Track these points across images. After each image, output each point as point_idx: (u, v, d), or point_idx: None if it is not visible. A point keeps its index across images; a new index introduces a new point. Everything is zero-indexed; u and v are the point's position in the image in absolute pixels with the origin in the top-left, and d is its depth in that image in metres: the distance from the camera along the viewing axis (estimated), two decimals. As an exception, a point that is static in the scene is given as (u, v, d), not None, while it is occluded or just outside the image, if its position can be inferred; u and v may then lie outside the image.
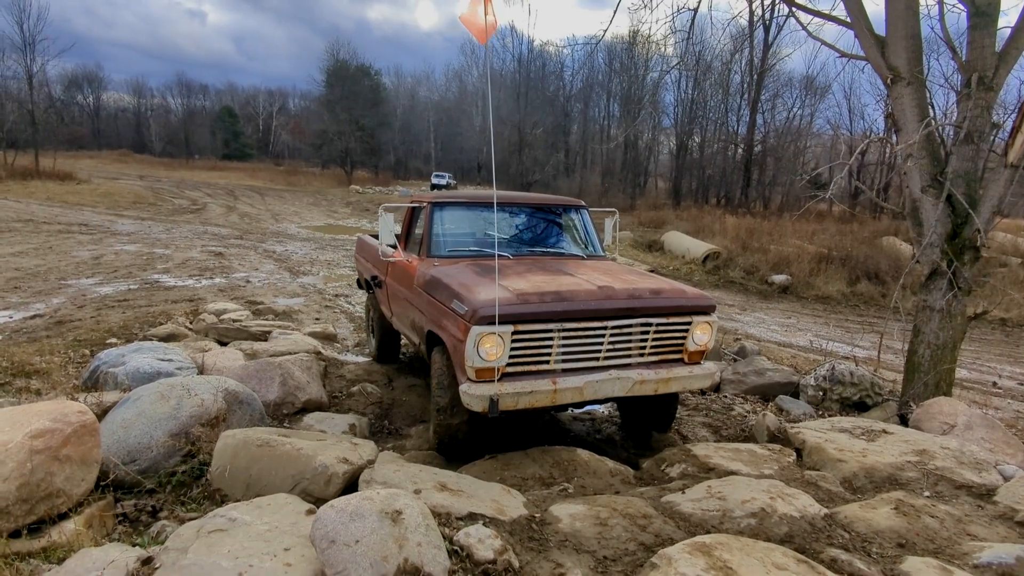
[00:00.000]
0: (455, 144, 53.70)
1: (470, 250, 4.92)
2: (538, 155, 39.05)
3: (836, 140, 41.65)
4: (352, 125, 44.19)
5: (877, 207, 37.34)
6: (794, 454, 4.01)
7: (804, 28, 7.46)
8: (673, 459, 3.85)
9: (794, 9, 7.41)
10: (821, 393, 5.86)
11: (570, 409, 5.20)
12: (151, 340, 6.37)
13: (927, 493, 3.44)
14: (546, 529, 2.71)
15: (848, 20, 6.26)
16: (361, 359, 7.52)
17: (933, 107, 6.25)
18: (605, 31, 9.41)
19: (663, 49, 39.13)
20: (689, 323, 4.10)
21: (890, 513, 2.97)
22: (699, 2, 8.85)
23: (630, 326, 3.90)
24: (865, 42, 6.05)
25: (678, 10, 9.03)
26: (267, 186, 44.74)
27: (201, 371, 5.18)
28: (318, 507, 2.67)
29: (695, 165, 41.03)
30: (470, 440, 3.99)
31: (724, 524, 2.78)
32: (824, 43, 7.41)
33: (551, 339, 3.69)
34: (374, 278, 6.22)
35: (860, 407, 5.76)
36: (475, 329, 3.46)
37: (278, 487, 2.91)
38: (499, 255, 4.57)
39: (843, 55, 7.16)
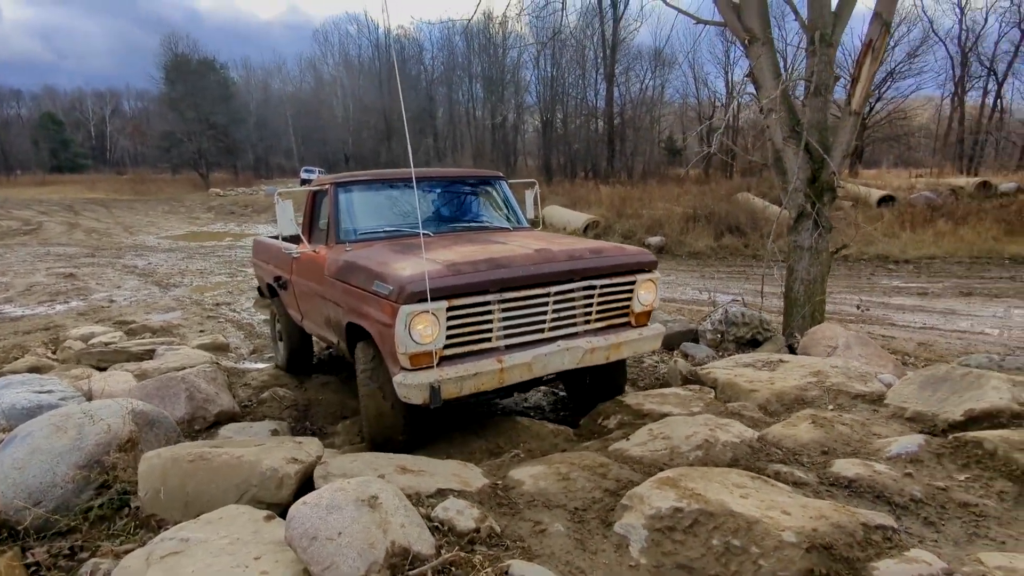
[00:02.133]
0: (317, 136, 51.37)
1: (384, 231, 4.53)
2: (408, 141, 38.35)
3: (685, 108, 44.64)
4: (202, 124, 40.74)
5: (728, 168, 40.61)
6: (711, 392, 4.32)
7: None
8: (608, 412, 4.02)
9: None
10: (719, 336, 6.34)
11: (514, 394, 4.72)
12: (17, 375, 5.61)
13: (831, 407, 3.85)
14: (512, 493, 2.74)
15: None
16: (262, 365, 7.10)
17: (785, 65, 6.88)
18: (471, 19, 9.40)
19: (519, 28, 39.85)
20: (633, 282, 3.91)
21: (809, 427, 3.30)
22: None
23: (573, 291, 3.66)
24: (723, 7, 6.51)
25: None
26: (112, 198, 40.44)
27: (90, 398, 4.64)
28: (276, 511, 2.53)
29: (561, 140, 42.24)
30: (409, 437, 3.65)
31: (675, 460, 2.95)
32: (681, 11, 7.86)
33: (490, 312, 3.39)
34: (277, 279, 5.63)
35: (753, 344, 6.30)
36: (404, 309, 3.11)
37: (222, 500, 2.70)
38: (420, 232, 4.26)
39: (699, 21, 7.66)
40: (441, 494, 2.57)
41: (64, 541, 2.90)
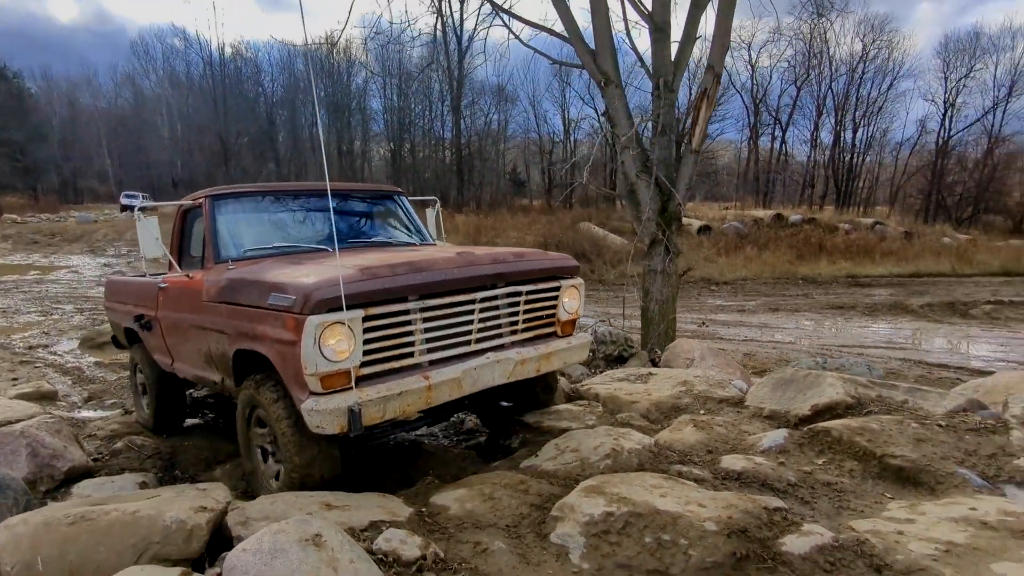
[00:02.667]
0: (138, 159, 46.42)
1: (273, 247, 3.97)
2: (246, 165, 36.07)
3: (527, 143, 46.96)
4: (-8, 141, 35.10)
5: (567, 199, 43.24)
6: (599, 406, 4.62)
7: (518, 38, 8.39)
8: (509, 432, 4.14)
9: (511, 20, 8.26)
10: (590, 354, 6.75)
11: (422, 427, 4.21)
12: None
13: (702, 411, 4.31)
14: (439, 518, 2.75)
15: (565, 35, 7.25)
16: (104, 413, 6.31)
17: (634, 108, 7.63)
18: (336, 43, 9.30)
19: (363, 56, 39.56)
20: (558, 288, 3.69)
21: (692, 431, 3.68)
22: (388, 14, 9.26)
23: (498, 297, 3.40)
24: (581, 51, 7.09)
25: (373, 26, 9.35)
26: None
27: None
28: (191, 568, 2.32)
29: (410, 170, 42.34)
30: (334, 474, 3.15)
31: (586, 470, 3.14)
32: (538, 52, 8.41)
33: (411, 323, 3.02)
34: (139, 319, 4.78)
35: (620, 360, 6.79)
36: (312, 320, 2.67)
37: (116, 564, 2.39)
38: (316, 247, 3.96)
39: (557, 63, 8.26)
40: (374, 527, 2.51)
41: None
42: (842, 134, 39.83)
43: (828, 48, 37.64)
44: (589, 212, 30.98)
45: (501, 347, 3.45)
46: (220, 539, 2.58)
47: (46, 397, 6.79)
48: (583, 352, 3.89)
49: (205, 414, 5.97)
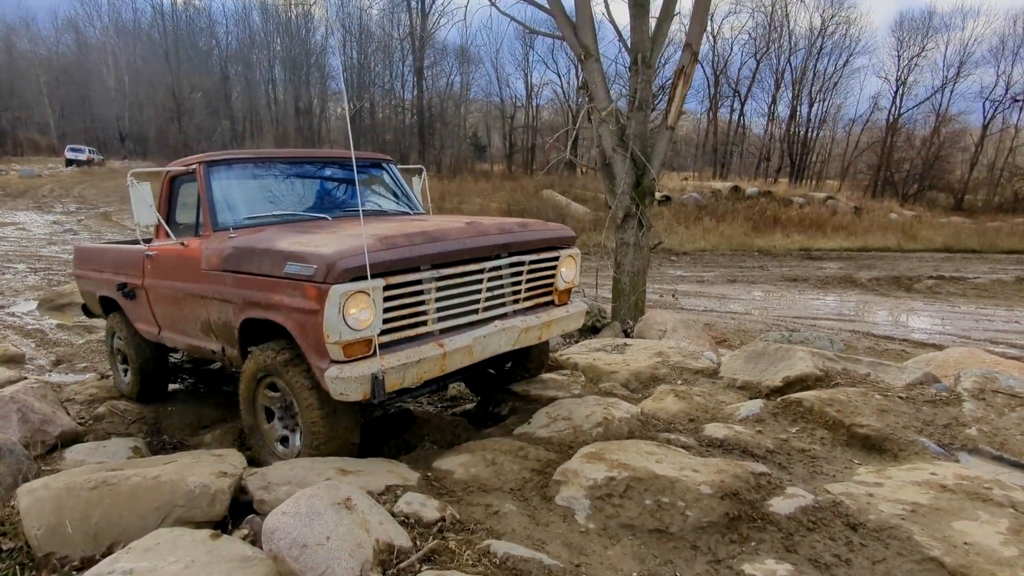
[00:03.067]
0: (83, 111, 43.90)
1: (273, 216, 3.94)
2: (200, 122, 34.61)
3: (489, 106, 46.45)
4: (-82, 85, 32.47)
5: (529, 166, 43.13)
6: (581, 375, 4.83)
7: (496, 7, 8.32)
8: (498, 400, 4.31)
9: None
10: (566, 325, 6.96)
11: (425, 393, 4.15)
12: None
13: (679, 381, 4.56)
14: (446, 482, 2.91)
15: (546, 6, 7.24)
16: (78, 377, 6.22)
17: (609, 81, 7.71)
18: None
19: (320, 12, 38.12)
20: (557, 258, 3.78)
21: (674, 400, 3.93)
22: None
23: (503, 267, 3.46)
24: (562, 23, 7.11)
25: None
26: None
27: None
28: (217, 530, 2.42)
29: (369, 131, 41.44)
30: (353, 441, 3.22)
31: (579, 437, 3.34)
32: (516, 21, 8.38)
33: (425, 292, 3.08)
34: (122, 287, 4.65)
35: (593, 330, 7.03)
36: (336, 289, 2.69)
37: (139, 527, 2.48)
38: (315, 216, 3.99)
39: (534, 32, 8.25)
40: (390, 491, 2.65)
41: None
42: (798, 108, 40.78)
43: (789, 22, 38.21)
44: (552, 179, 31.03)
45: (504, 316, 3.54)
46: (237, 503, 2.69)
47: (13, 360, 6.63)
48: (580, 320, 4.00)
49: (184, 379, 5.95)
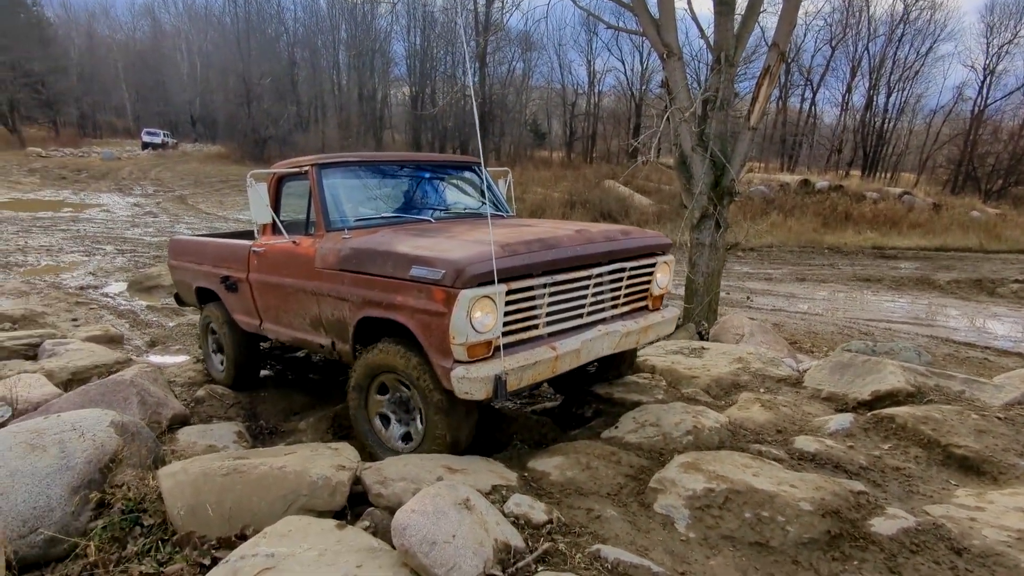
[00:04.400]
0: (157, 94, 46.04)
1: (380, 217, 4.15)
2: (269, 108, 35.80)
3: (550, 93, 46.16)
4: (15, 70, 34.62)
5: (589, 154, 42.75)
6: (662, 379, 4.87)
7: (576, 3, 8.31)
8: (580, 401, 4.41)
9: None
10: (637, 324, 6.99)
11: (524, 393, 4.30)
12: None
13: (762, 389, 4.55)
14: (543, 483, 3.04)
15: (627, 3, 7.19)
16: (174, 359, 6.65)
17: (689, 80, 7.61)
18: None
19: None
20: (653, 265, 3.91)
21: (760, 410, 3.93)
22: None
23: (607, 273, 3.59)
24: (645, 21, 7.05)
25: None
26: None
27: (14, 409, 4.16)
28: (338, 519, 2.62)
29: (430, 117, 41.88)
30: (470, 439, 3.41)
31: (670, 445, 3.41)
32: (597, 17, 8.35)
33: (539, 297, 3.22)
34: (225, 280, 4.90)
35: (665, 331, 7.02)
36: (466, 294, 2.84)
37: (268, 512, 2.70)
38: (419, 218, 4.18)
39: (615, 28, 8.21)
40: (496, 490, 2.79)
41: (74, 567, 2.74)
42: (875, 98, 38.89)
43: (868, 7, 36.38)
44: (612, 169, 30.73)
45: (603, 320, 3.66)
46: (351, 494, 2.88)
47: (113, 340, 7.15)
48: (672, 325, 4.10)
49: (272, 365, 6.29)
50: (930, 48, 37.45)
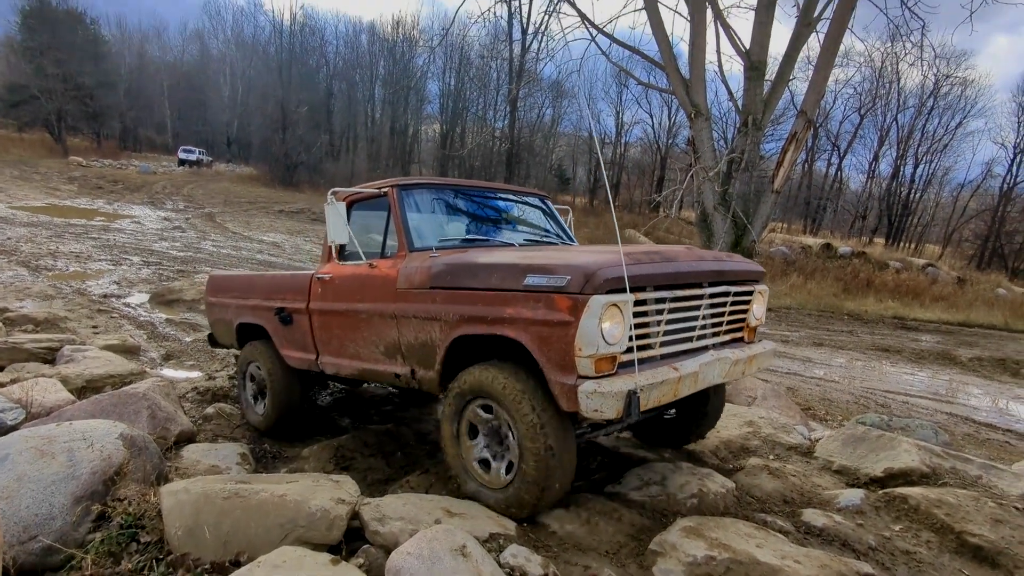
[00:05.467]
0: (197, 114, 47.67)
1: (465, 240, 3.98)
2: (303, 135, 36.84)
3: (577, 140, 46.91)
4: (65, 83, 36.13)
5: (612, 202, 43.10)
6: (669, 436, 4.80)
7: (607, 57, 8.53)
8: (585, 453, 4.36)
9: (597, 36, 8.39)
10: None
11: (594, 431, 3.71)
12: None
13: (771, 456, 4.47)
14: (542, 535, 2.99)
15: (659, 61, 7.37)
16: (187, 374, 6.71)
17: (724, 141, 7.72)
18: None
19: (430, 40, 39.91)
20: (751, 292, 3.66)
21: (768, 478, 3.86)
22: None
23: (714, 296, 3.34)
24: (675, 81, 7.21)
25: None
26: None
27: (28, 412, 4.23)
28: (333, 554, 2.60)
29: (459, 156, 42.73)
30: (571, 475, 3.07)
31: (674, 506, 3.35)
32: (629, 74, 8.55)
33: (656, 312, 2.99)
34: (280, 312, 4.61)
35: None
36: (597, 299, 2.63)
37: (265, 539, 2.69)
38: (504, 242, 4.04)
39: (646, 86, 8.39)
40: (493, 538, 2.76)
41: (70, 579, 2.74)
42: (902, 168, 38.96)
43: (899, 79, 36.79)
44: (634, 218, 30.94)
45: (710, 347, 3.39)
46: (348, 527, 2.86)
47: (130, 351, 7.24)
48: (774, 358, 3.85)
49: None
50: (960, 123, 37.62)
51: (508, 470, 3.12)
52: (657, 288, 2.97)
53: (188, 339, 8.45)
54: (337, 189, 3.98)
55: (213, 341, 5.93)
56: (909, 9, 6.97)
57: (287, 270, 5.22)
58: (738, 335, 3.71)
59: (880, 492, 3.70)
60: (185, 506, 2.79)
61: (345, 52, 45.47)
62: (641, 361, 2.90)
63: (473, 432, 3.30)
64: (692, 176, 7.15)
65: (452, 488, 3.62)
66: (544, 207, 4.82)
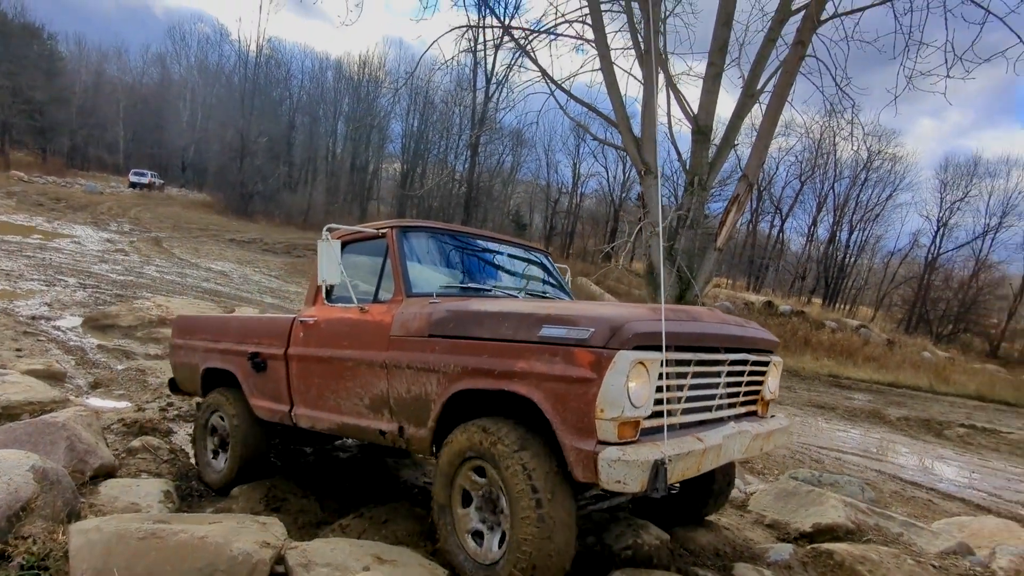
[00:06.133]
0: (152, 137, 46.70)
1: (468, 287, 3.73)
2: (261, 165, 36.48)
3: (535, 187, 47.94)
4: (15, 96, 34.92)
5: (566, 250, 43.95)
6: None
7: (566, 113, 8.85)
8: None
9: (556, 91, 8.70)
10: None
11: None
12: None
13: (707, 509, 4.53)
14: (474, 585, 2.93)
15: (613, 119, 7.69)
16: (116, 404, 6.39)
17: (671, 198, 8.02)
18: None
19: (396, 82, 40.51)
20: (767, 363, 3.42)
21: (703, 531, 3.91)
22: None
23: (736, 362, 3.11)
24: (627, 140, 7.51)
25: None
26: None
27: (-69, 438, 3.93)
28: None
29: (418, 196, 43.00)
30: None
31: (608, 557, 3.34)
32: (585, 129, 8.85)
33: (681, 376, 2.76)
34: (253, 357, 4.29)
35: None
36: (625, 355, 2.39)
37: (180, 585, 2.56)
38: (508, 293, 3.88)
39: (602, 142, 8.71)
40: (424, 588, 2.69)
41: (-45, 624, 2.53)
42: (838, 233, 41.20)
43: (836, 151, 39.22)
44: (586, 267, 31.51)
45: (727, 419, 3.15)
46: (272, 573, 2.75)
47: (55, 377, 6.87)
48: (791, 435, 3.59)
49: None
50: (890, 195, 40.25)
51: (501, 542, 2.80)
52: (680, 349, 2.72)
53: (120, 367, 8.08)
54: (332, 226, 3.72)
55: (174, 387, 5.47)
56: (842, 89, 7.50)
57: (239, 303, 5.05)
58: (752, 408, 3.48)
59: (808, 547, 3.79)
60: (96, 546, 2.63)
61: (310, 87, 45.75)
62: (661, 429, 2.64)
63: (466, 500, 2.97)
64: (641, 230, 7.38)
65: (387, 533, 3.54)
66: (544, 262, 4.61)
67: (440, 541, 3.02)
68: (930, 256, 38.31)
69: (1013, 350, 33.75)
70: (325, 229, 3.61)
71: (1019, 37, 6.03)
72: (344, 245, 3.92)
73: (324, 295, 3.94)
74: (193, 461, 4.98)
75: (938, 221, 38.43)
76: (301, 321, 4.00)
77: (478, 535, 2.91)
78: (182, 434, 5.68)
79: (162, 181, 42.07)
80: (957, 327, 35.43)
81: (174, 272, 18.24)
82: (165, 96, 47.16)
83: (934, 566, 3.64)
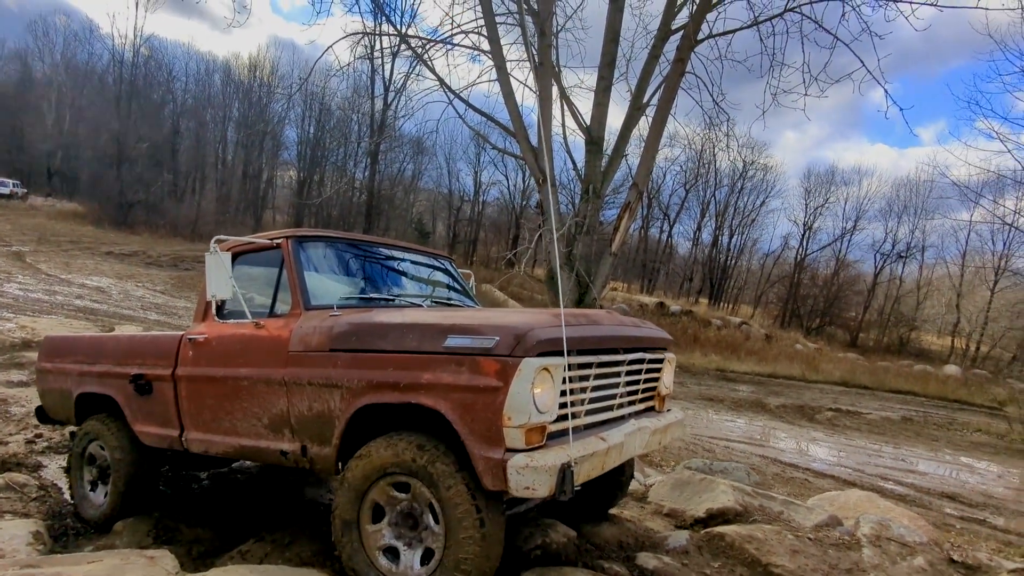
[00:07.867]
0: (11, 142, 42.01)
1: (369, 298, 3.64)
2: (142, 172, 33.81)
3: (437, 196, 47.80)
4: None
5: (469, 257, 44.17)
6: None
7: (466, 123, 8.96)
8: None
9: (454, 101, 8.79)
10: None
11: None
12: None
13: (610, 503, 4.73)
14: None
15: (511, 129, 7.87)
16: (-30, 441, 5.72)
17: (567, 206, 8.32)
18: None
19: (289, 87, 39.05)
20: (662, 360, 3.58)
21: (607, 525, 4.09)
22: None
23: (633, 361, 3.21)
24: (525, 149, 7.72)
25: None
26: None
27: None
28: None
29: (316, 204, 41.62)
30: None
31: (519, 558, 3.42)
32: (484, 139, 9.00)
33: (583, 379, 2.82)
34: (137, 379, 4.01)
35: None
36: (530, 363, 2.42)
37: (61, 631, 2.36)
38: (412, 303, 3.84)
39: (502, 152, 8.88)
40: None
41: None
42: (720, 238, 44.22)
43: (715, 161, 42.12)
44: (489, 274, 31.79)
45: (627, 416, 3.25)
46: (168, 609, 2.60)
47: None
48: (685, 428, 3.73)
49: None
50: (763, 202, 43.73)
51: (425, 560, 2.73)
52: (581, 352, 2.77)
53: (-26, 398, 7.24)
54: (221, 237, 3.59)
55: (43, 416, 4.97)
56: (718, 104, 8.11)
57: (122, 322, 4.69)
58: (650, 403, 3.62)
59: (703, 532, 4.05)
60: (-42, 597, 2.37)
61: (195, 90, 43.07)
62: (566, 432, 2.67)
63: (378, 515, 2.87)
64: (541, 236, 7.59)
65: (291, 556, 3.42)
66: (449, 269, 4.60)
67: (344, 559, 2.88)
68: (799, 257, 42.04)
69: (868, 340, 37.70)
70: (213, 241, 3.46)
71: (861, 62, 6.87)
72: (236, 257, 3.72)
73: (215, 311, 3.72)
74: (68, 496, 4.59)
75: (804, 225, 42.24)
76: (190, 339, 3.78)
77: (391, 551, 2.83)
78: (53, 467, 5.21)
79: (24, 190, 38.15)
80: (823, 321, 39.03)
81: (40, 289, 16.56)
82: (26, 96, 42.54)
83: (810, 538, 4.01)
